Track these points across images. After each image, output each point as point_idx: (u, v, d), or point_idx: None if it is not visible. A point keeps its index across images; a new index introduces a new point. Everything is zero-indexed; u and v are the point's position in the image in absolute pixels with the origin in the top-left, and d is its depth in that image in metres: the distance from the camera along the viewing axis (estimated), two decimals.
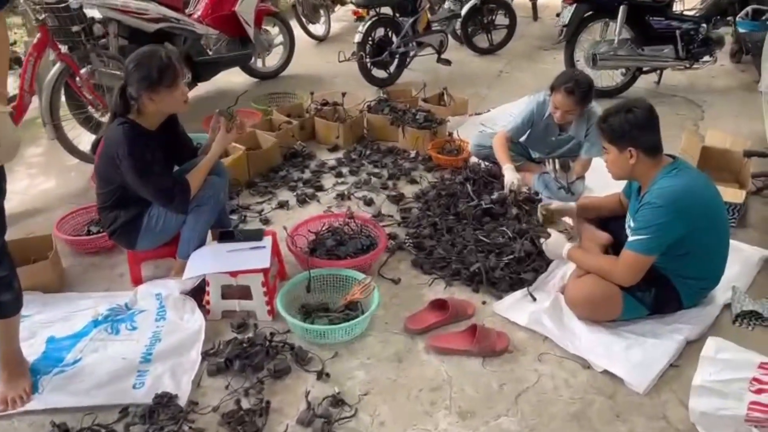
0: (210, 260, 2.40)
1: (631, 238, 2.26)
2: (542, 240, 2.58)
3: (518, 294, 2.56)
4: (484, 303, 2.54)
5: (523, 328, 2.38)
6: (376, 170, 3.69)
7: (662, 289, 2.34)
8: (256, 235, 2.55)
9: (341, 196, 3.37)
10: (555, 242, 2.51)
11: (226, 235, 2.57)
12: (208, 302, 2.41)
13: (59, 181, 3.66)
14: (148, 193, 2.37)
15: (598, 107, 3.22)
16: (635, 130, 2.24)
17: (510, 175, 3.14)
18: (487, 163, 3.53)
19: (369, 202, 3.30)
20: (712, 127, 4.02)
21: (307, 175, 3.66)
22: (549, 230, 2.59)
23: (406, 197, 3.36)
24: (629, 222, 2.39)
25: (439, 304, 2.45)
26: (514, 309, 2.48)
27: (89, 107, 3.75)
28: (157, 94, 2.29)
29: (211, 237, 2.65)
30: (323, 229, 2.84)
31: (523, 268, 2.66)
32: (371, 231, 2.83)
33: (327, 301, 2.49)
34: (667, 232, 2.20)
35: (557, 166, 3.09)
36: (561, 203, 2.88)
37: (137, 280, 2.61)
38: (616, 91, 4.91)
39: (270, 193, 3.42)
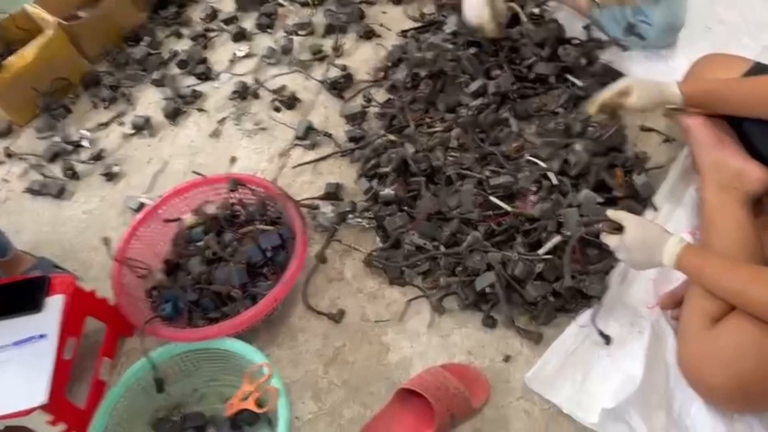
0: None
1: None
2: (605, 238, 1.20)
3: (570, 334, 1.27)
4: (507, 360, 1.28)
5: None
6: (307, 12, 2.08)
7: None
8: (32, 299, 1.25)
9: (242, 93, 1.87)
10: (638, 235, 1.14)
11: None
12: None
13: None
14: None
15: None
16: None
17: None
18: None
19: (291, 101, 1.81)
20: None
21: (185, 44, 2.10)
22: (621, 215, 1.18)
23: (357, 79, 1.85)
24: None
25: (415, 397, 1.22)
26: (565, 382, 1.23)
27: None
28: None
29: None
30: (187, 221, 1.48)
31: (585, 266, 1.31)
32: (278, 209, 1.46)
33: (202, 401, 1.30)
34: None
35: None
36: (633, 86, 1.35)
37: None
38: None
39: (123, 97, 1.96)
